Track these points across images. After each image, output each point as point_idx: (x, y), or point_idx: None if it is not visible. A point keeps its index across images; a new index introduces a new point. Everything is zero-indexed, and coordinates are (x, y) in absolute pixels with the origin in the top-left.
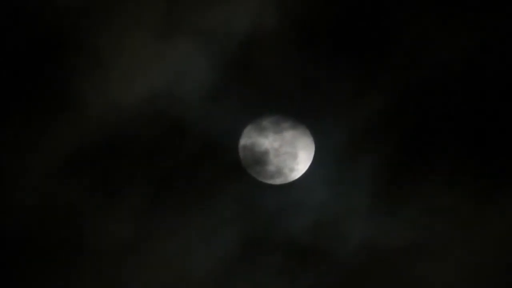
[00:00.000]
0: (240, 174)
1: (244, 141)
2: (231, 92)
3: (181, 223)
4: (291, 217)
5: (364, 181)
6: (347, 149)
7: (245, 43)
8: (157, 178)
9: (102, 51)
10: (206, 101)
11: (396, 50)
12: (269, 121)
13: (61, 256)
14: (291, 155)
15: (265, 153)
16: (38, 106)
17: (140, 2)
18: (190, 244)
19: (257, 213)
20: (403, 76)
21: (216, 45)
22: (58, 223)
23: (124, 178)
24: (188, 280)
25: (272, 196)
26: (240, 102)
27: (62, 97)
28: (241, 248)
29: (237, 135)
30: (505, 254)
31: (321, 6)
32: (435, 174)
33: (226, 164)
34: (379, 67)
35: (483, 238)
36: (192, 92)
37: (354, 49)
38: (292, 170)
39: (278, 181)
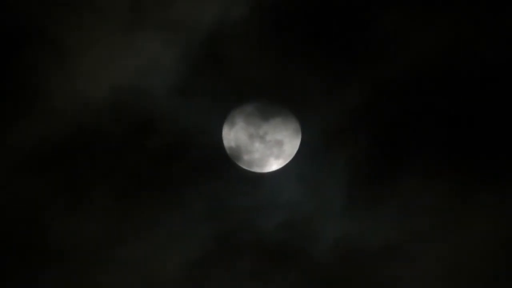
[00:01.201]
0: (211, 172)
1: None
2: (201, 85)
3: (149, 222)
4: (263, 216)
5: (339, 179)
6: (321, 146)
7: (214, 34)
8: (125, 175)
9: (66, 45)
10: (175, 95)
11: (371, 45)
12: (246, 112)
13: (25, 256)
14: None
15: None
16: (1, 101)
17: None
18: (159, 244)
19: (229, 212)
20: (378, 73)
21: (184, 36)
22: (22, 222)
23: (91, 175)
24: (157, 281)
25: (243, 194)
26: (210, 96)
27: (25, 91)
28: (212, 247)
29: (208, 131)
30: (485, 253)
31: None
32: (413, 172)
33: (197, 161)
34: (353, 62)
35: (462, 238)
36: (160, 86)
37: (327, 43)
38: (264, 165)
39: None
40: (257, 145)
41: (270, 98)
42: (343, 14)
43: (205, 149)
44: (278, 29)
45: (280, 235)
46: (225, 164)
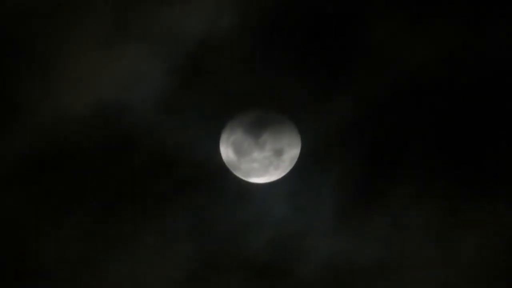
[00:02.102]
0: (196, 188)
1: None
2: (187, 99)
3: (132, 239)
4: (249, 233)
5: (329, 195)
6: (310, 161)
7: (201, 46)
8: (108, 192)
9: (48, 57)
10: (160, 110)
11: (362, 57)
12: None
13: (3, 274)
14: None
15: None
16: None
17: (88, 6)
18: (142, 262)
19: (214, 229)
20: (368, 85)
21: (169, 48)
22: (1, 238)
23: (72, 192)
24: None
25: (229, 211)
26: (197, 110)
27: (5, 105)
28: (196, 266)
29: (193, 146)
30: (477, 270)
31: (281, 7)
32: (403, 188)
33: (181, 177)
34: (343, 74)
35: (454, 255)
36: (145, 99)
37: (316, 54)
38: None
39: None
40: (256, 154)
41: (257, 112)
42: (333, 26)
43: (192, 165)
44: (267, 41)
45: (267, 253)
46: (212, 180)
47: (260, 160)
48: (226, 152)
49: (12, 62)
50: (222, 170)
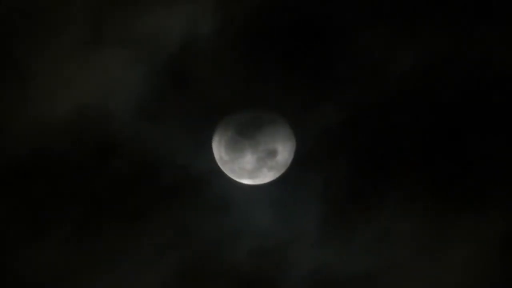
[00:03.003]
0: (179, 196)
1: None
2: (168, 106)
3: (112, 251)
4: (232, 244)
5: (314, 205)
6: (294, 169)
7: (182, 51)
8: (87, 202)
9: (26, 63)
10: (140, 117)
11: (350, 64)
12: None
13: None
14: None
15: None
16: None
17: (67, 11)
18: (124, 272)
19: (196, 240)
20: (354, 93)
21: (149, 54)
22: None
23: (50, 202)
24: None
25: (211, 220)
26: (178, 117)
27: None
28: (178, 278)
29: (176, 154)
30: (466, 281)
31: (265, 11)
32: (391, 198)
33: (163, 186)
34: (328, 81)
35: (443, 265)
36: (125, 106)
37: (302, 61)
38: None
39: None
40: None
41: (242, 119)
42: (319, 30)
43: (175, 172)
44: (251, 46)
45: (250, 264)
46: (194, 189)
47: (254, 161)
48: (219, 152)
49: None
50: (206, 178)
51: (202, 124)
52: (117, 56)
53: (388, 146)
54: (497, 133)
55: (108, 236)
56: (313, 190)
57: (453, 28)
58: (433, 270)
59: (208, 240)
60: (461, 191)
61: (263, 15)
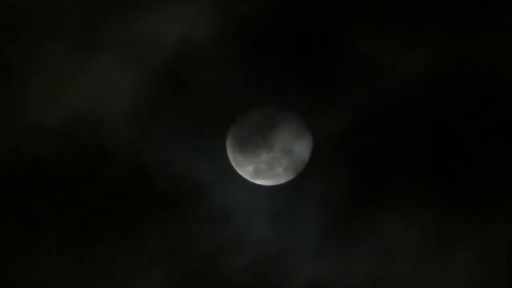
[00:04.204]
0: (172, 207)
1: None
2: (162, 112)
3: (104, 261)
4: (229, 255)
5: (314, 214)
6: (295, 178)
7: (177, 56)
8: (78, 211)
9: (17, 68)
10: (133, 123)
11: (350, 69)
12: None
13: None
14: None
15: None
16: None
17: (58, 10)
18: (116, 284)
19: (192, 251)
20: (354, 101)
21: (143, 58)
22: None
23: (41, 210)
24: None
25: (208, 231)
26: (173, 124)
27: None
28: None
29: (172, 162)
30: None
31: (261, 16)
32: (393, 208)
33: (157, 196)
34: (329, 87)
35: (445, 276)
36: (117, 112)
37: (302, 65)
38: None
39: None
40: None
41: (238, 126)
42: (322, 34)
43: (168, 182)
44: (248, 50)
45: (248, 276)
46: (190, 198)
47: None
48: (233, 151)
49: None
50: (201, 187)
51: (198, 130)
52: (111, 59)
53: (390, 154)
54: (502, 140)
55: (100, 246)
56: (313, 199)
57: (458, 32)
58: (436, 281)
59: (204, 252)
60: (465, 199)
61: (262, 17)
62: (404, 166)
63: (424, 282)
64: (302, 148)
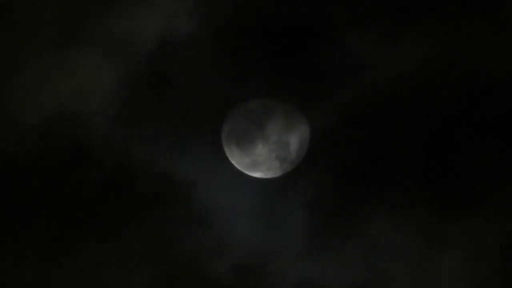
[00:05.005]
0: (156, 206)
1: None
2: (144, 110)
3: (86, 262)
4: (212, 256)
5: (301, 215)
6: (281, 178)
7: (158, 53)
8: (59, 212)
9: None
10: (114, 121)
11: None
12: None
13: None
14: None
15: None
16: None
17: (38, 8)
18: (99, 286)
19: (176, 252)
20: (343, 100)
21: (124, 56)
22: None
23: (20, 212)
24: None
25: (192, 232)
26: (155, 122)
27: None
28: None
29: (154, 162)
30: None
31: (250, 11)
32: (381, 209)
33: (140, 195)
34: (316, 87)
35: (432, 278)
36: (98, 110)
37: (285, 64)
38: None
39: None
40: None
41: (217, 125)
42: (308, 32)
43: (151, 181)
44: (231, 46)
45: (234, 278)
46: (173, 198)
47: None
48: (228, 144)
49: None
50: (185, 186)
51: (182, 129)
52: (92, 57)
53: (378, 155)
54: (492, 142)
55: (80, 248)
56: (300, 199)
57: (446, 29)
58: (424, 282)
59: (188, 253)
60: (453, 201)
61: (247, 14)
62: (392, 167)
63: (412, 283)
64: (285, 151)
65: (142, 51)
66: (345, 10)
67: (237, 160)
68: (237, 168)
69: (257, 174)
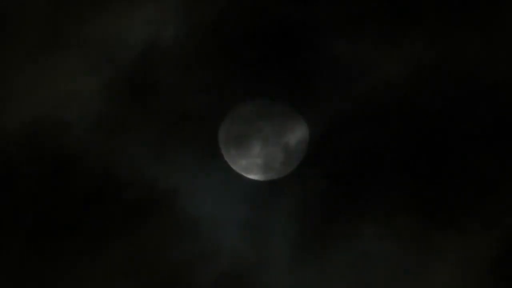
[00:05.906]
0: (141, 215)
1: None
2: (129, 117)
3: (69, 273)
4: (199, 267)
5: (288, 223)
6: (268, 185)
7: (143, 58)
8: (41, 220)
9: None
10: (99, 128)
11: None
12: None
13: None
14: None
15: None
16: None
17: (21, 12)
18: None
19: (162, 262)
20: (332, 106)
21: (109, 60)
22: None
23: (1, 220)
24: None
25: (178, 242)
26: (140, 129)
27: None
28: None
29: (138, 169)
30: None
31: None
32: (370, 216)
33: (125, 204)
34: (305, 92)
35: (422, 285)
36: (82, 116)
37: (274, 69)
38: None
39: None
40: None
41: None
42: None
43: (137, 190)
44: (217, 51)
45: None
46: (158, 207)
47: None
48: (226, 146)
49: None
50: (170, 195)
51: (168, 136)
52: (75, 62)
53: (368, 161)
54: (483, 147)
55: (66, 257)
56: (287, 207)
57: (437, 34)
58: None
59: (174, 262)
60: (444, 208)
61: (230, 17)
62: (382, 173)
63: None
64: (272, 156)
65: (126, 56)
66: (344, 11)
67: (234, 161)
68: (223, 175)
69: (252, 176)
